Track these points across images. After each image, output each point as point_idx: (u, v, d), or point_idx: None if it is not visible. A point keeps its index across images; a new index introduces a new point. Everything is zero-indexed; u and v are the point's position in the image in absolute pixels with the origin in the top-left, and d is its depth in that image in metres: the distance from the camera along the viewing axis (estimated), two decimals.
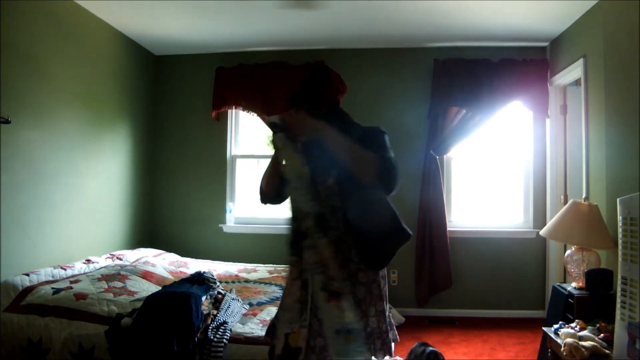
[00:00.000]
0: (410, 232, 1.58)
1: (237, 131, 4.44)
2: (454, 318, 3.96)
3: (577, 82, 3.65)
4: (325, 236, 1.41)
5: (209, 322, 2.35)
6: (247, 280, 3.24)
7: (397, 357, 2.88)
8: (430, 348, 2.59)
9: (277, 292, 2.95)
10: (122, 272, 2.94)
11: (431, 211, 3.97)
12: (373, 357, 1.61)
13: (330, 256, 1.38)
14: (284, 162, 1.51)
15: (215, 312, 2.46)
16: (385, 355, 1.63)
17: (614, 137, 2.84)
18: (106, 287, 2.69)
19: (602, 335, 2.20)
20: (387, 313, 1.65)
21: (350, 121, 1.67)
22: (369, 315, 1.57)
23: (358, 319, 1.48)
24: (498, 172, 4.26)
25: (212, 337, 2.25)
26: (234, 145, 4.42)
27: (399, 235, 1.56)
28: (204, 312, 2.38)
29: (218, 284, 2.83)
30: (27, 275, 2.67)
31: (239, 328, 2.35)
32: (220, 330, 2.28)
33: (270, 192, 1.69)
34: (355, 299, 1.53)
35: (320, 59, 4.12)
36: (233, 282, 3.21)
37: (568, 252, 2.85)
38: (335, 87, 1.68)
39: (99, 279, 2.78)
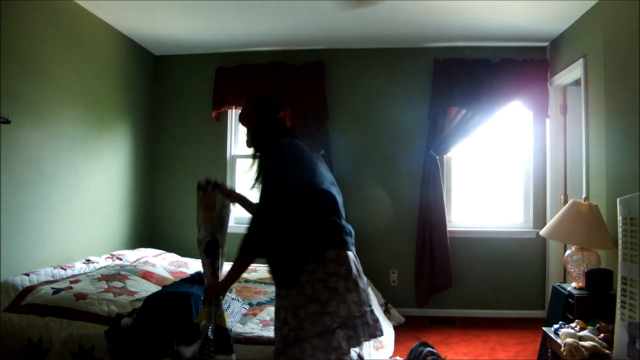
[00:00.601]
0: (324, 245, 1.62)
1: (237, 131, 4.44)
2: (454, 318, 3.96)
3: (577, 82, 3.65)
4: (209, 257, 1.97)
5: None
6: (247, 280, 3.23)
7: (397, 357, 2.89)
8: (428, 348, 2.59)
9: None
10: (122, 272, 2.94)
11: (431, 211, 3.97)
12: None
13: (210, 274, 2.02)
14: (200, 209, 1.99)
15: None
16: None
17: (614, 137, 2.84)
18: (106, 287, 2.69)
19: (602, 335, 2.19)
20: (334, 319, 1.56)
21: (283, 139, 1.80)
22: (299, 317, 1.56)
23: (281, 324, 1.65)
24: (498, 172, 4.26)
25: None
26: (234, 145, 4.42)
27: (305, 250, 1.64)
28: None
29: None
30: (27, 275, 2.66)
31: (239, 328, 2.35)
32: None
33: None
34: (290, 303, 1.60)
35: (320, 59, 4.13)
36: None
37: (568, 252, 2.85)
38: (271, 111, 1.88)
39: (99, 279, 2.78)
